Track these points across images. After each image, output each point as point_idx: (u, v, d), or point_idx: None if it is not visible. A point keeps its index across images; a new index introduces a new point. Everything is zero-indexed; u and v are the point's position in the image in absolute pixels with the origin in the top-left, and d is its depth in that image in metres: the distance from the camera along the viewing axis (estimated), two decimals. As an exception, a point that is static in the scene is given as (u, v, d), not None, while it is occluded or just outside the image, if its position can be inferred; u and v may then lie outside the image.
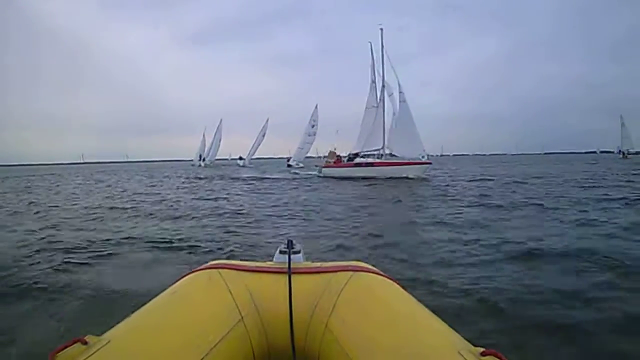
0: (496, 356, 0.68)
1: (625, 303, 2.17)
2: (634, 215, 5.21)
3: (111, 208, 7.19)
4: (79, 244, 3.91)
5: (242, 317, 0.88)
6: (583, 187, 9.62)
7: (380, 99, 17.23)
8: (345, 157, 17.94)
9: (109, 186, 14.37)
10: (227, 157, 51.21)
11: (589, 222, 4.78)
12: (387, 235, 4.26)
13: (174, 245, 3.85)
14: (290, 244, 1.06)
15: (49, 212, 6.87)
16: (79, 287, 2.57)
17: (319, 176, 17.28)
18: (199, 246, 3.76)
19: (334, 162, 17.92)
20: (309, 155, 30.39)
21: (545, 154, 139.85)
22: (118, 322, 0.81)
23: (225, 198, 9.03)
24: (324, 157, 19.77)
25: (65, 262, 3.19)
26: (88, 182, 17.31)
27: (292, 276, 0.95)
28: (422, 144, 16.04)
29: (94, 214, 6.44)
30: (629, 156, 39.58)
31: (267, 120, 37.72)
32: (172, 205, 7.55)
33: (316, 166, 19.42)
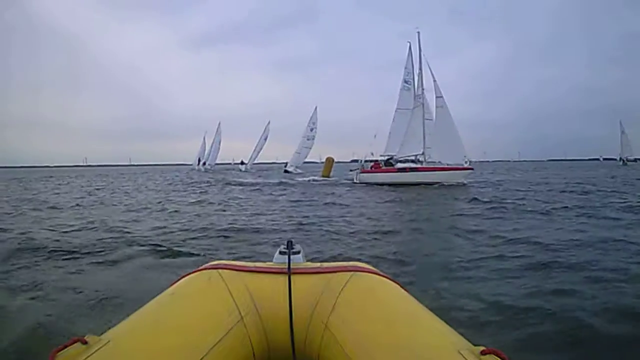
0: (496, 354, 0.68)
1: None
2: None
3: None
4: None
5: (242, 317, 0.88)
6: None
7: (419, 102, 16.30)
8: (380, 162, 16.63)
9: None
10: (230, 162, 50.71)
11: None
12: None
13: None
14: (290, 245, 1.06)
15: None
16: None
17: (354, 183, 16.00)
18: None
19: (372, 167, 16.58)
20: (309, 160, 29.14)
21: (549, 160, 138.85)
22: (118, 322, 0.81)
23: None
24: (365, 160, 17.63)
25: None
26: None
27: (292, 276, 0.95)
28: (464, 148, 15.16)
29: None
30: (628, 163, 39.61)
31: (269, 123, 35.89)
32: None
33: (351, 171, 18.02)
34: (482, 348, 0.70)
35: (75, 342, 0.69)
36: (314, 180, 18.80)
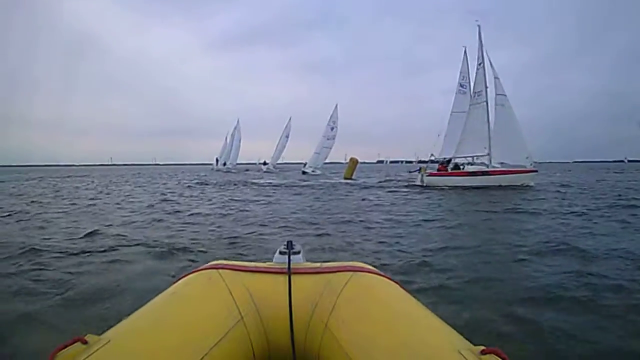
0: (496, 354, 0.67)
1: None
2: None
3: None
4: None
5: (242, 317, 0.88)
6: None
7: (483, 100, 15.62)
8: (443, 163, 15.82)
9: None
10: (254, 162, 50.20)
11: None
12: None
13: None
14: (290, 245, 1.06)
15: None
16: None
17: (421, 186, 14.86)
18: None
19: (439, 170, 15.66)
20: (332, 160, 27.99)
21: (574, 162, 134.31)
22: (118, 322, 0.83)
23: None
24: (430, 160, 16.73)
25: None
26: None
27: (292, 276, 0.96)
28: (527, 148, 14.78)
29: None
30: None
31: (290, 119, 34.48)
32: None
33: (410, 172, 17.26)
34: (482, 348, 0.69)
35: (75, 341, 0.70)
36: (341, 182, 17.77)
